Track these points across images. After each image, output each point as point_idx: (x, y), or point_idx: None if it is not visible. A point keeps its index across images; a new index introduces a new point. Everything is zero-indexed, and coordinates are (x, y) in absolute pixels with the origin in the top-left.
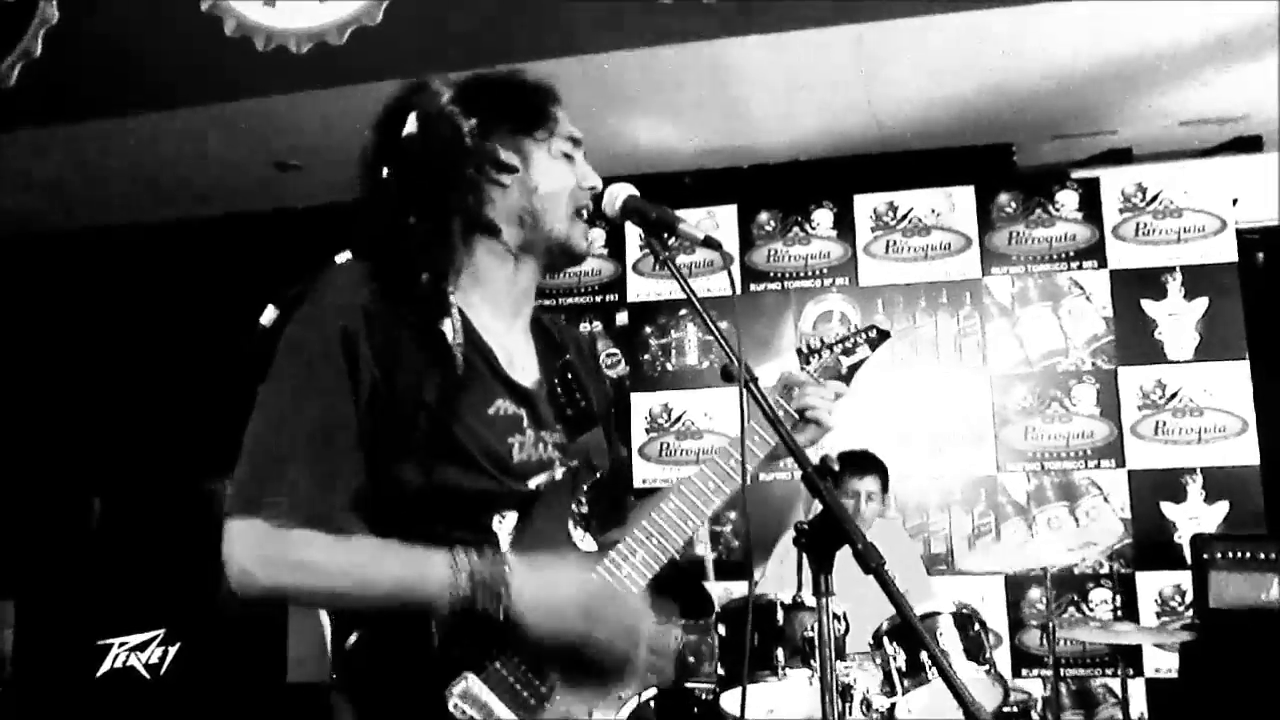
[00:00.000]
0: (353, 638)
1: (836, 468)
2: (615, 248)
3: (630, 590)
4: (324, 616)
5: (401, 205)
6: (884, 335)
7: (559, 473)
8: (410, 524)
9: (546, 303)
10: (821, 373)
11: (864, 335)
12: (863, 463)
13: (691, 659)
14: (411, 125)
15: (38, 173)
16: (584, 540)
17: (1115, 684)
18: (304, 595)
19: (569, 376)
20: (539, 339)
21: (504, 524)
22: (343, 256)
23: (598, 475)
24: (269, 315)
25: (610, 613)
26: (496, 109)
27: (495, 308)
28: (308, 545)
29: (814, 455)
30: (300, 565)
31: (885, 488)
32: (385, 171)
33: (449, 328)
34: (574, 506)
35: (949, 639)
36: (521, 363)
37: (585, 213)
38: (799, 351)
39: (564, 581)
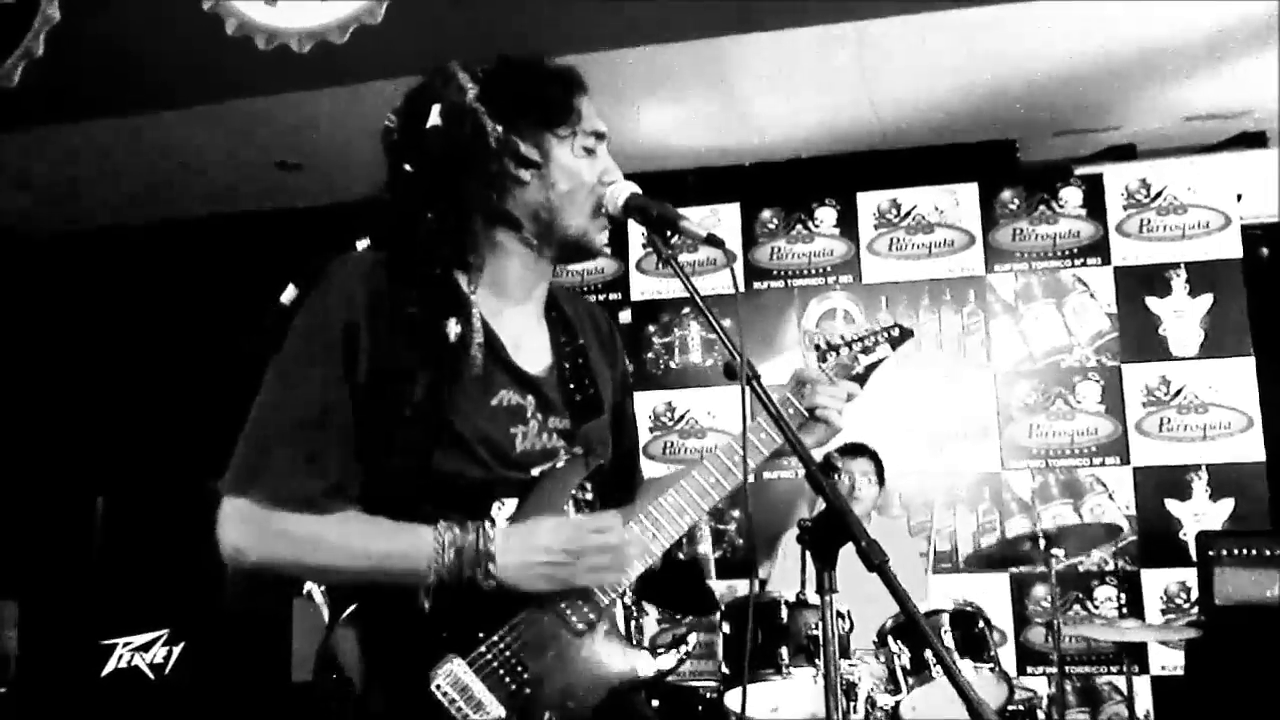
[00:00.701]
0: (347, 611)
1: (840, 465)
2: (618, 246)
3: (621, 586)
4: (325, 612)
5: (422, 199)
6: (906, 334)
7: (562, 460)
8: (408, 510)
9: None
10: (837, 370)
11: (885, 334)
12: (854, 448)
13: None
14: (435, 118)
15: (40, 172)
16: None
17: (1120, 681)
18: (293, 568)
19: (579, 362)
20: (554, 322)
21: (503, 510)
22: (363, 243)
23: (600, 463)
24: (289, 294)
25: (594, 539)
26: (520, 104)
27: (508, 296)
28: (296, 522)
29: (819, 454)
30: (290, 537)
31: (881, 474)
32: (407, 165)
33: (455, 321)
34: (575, 493)
35: (950, 637)
36: (531, 349)
37: (605, 209)
38: (816, 347)
39: (543, 526)
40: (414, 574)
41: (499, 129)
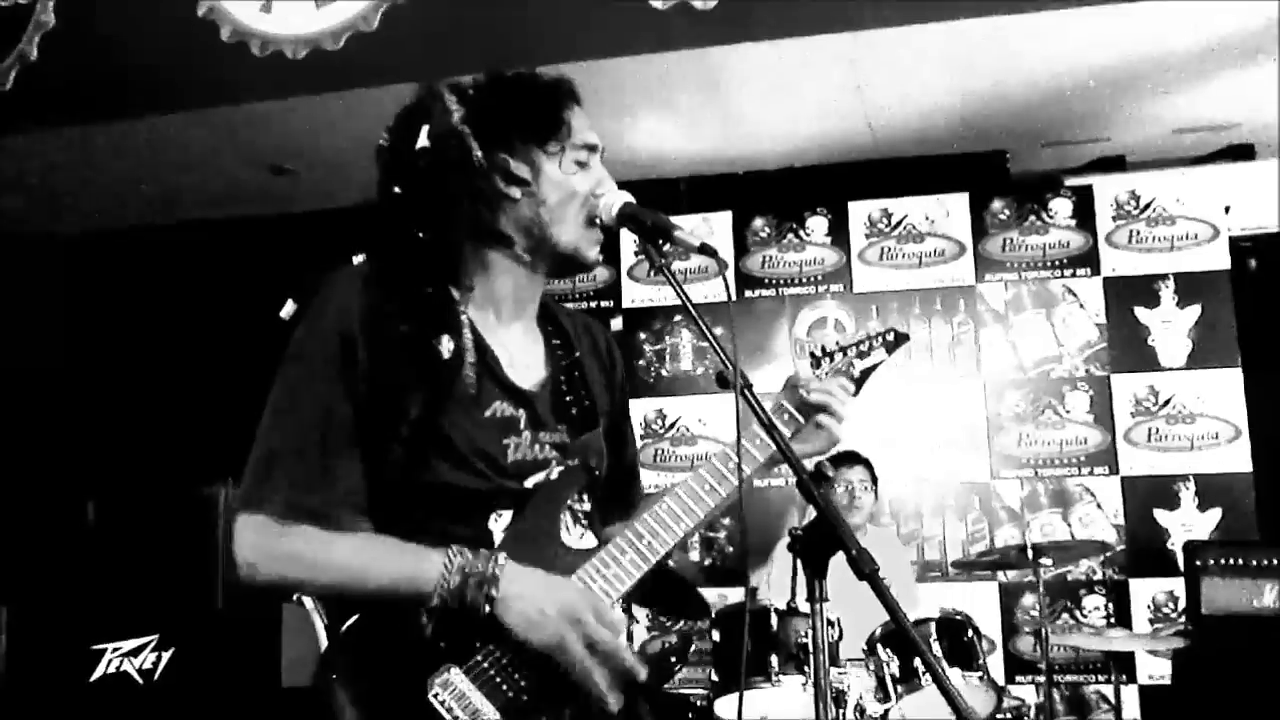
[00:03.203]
0: (349, 622)
1: (831, 474)
2: (610, 253)
3: (613, 595)
4: (315, 617)
5: (413, 220)
6: (902, 338)
7: (555, 471)
8: (410, 521)
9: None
10: (833, 377)
11: (881, 338)
12: (848, 456)
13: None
14: (423, 140)
15: (33, 176)
16: (581, 538)
17: (1108, 690)
18: (304, 587)
19: (575, 375)
20: (550, 336)
21: (499, 521)
22: (359, 258)
23: (596, 474)
24: (288, 309)
25: (587, 628)
26: (509, 122)
27: (501, 310)
28: (308, 540)
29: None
30: (300, 559)
31: (875, 482)
32: (397, 187)
33: (449, 338)
34: (571, 504)
35: (939, 646)
36: (524, 363)
37: (599, 220)
38: (811, 354)
39: (546, 593)
40: (419, 596)
41: (487, 149)
